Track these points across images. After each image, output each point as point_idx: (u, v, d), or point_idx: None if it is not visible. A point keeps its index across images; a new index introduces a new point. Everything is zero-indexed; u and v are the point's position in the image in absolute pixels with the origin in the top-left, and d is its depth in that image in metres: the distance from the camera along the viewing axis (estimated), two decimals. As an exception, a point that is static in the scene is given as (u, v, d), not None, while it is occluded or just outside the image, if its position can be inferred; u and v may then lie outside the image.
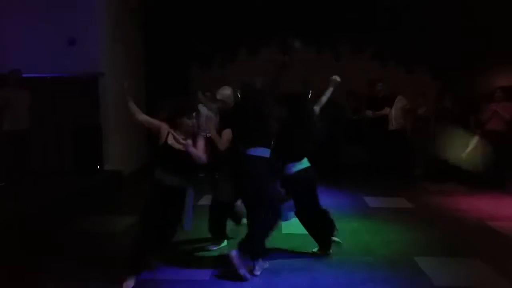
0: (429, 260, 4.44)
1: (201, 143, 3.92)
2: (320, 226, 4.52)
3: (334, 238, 4.56)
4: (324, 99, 4.75)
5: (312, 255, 4.57)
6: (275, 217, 4.13)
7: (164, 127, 3.87)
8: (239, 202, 4.66)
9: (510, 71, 8.34)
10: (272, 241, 4.62)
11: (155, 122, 3.96)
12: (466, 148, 8.06)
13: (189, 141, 3.80)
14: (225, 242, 4.86)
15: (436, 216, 6.12)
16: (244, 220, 4.79)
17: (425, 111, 8.68)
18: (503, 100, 7.89)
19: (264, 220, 4.06)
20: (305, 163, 4.36)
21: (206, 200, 5.81)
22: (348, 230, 5.41)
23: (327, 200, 6.56)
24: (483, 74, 8.94)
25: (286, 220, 4.40)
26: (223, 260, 4.19)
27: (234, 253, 3.95)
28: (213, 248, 4.77)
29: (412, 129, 8.78)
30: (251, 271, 4.02)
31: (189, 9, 9.65)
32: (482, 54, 8.85)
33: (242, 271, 3.94)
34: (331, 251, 4.56)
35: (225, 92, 4.58)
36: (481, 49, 8.87)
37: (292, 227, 5.05)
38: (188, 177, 3.96)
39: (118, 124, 8.48)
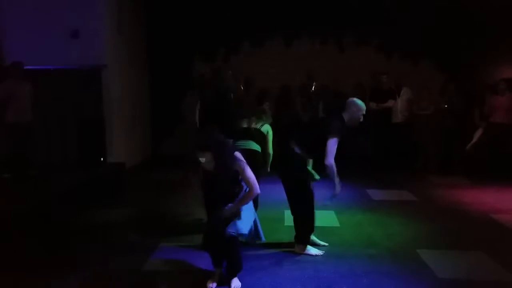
0: (432, 253, 4.43)
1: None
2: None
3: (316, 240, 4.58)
4: None
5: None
6: None
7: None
8: None
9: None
10: (274, 233, 4.63)
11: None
12: (470, 141, 8.03)
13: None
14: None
15: (440, 209, 6.09)
16: None
17: (429, 104, 8.61)
18: (507, 92, 7.84)
19: None
20: None
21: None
22: (351, 223, 5.42)
23: (331, 192, 6.59)
24: (487, 67, 8.90)
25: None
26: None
27: None
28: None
29: (416, 121, 8.72)
30: None
31: (192, 1, 9.61)
32: (487, 46, 8.80)
33: None
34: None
35: None
36: (485, 42, 8.82)
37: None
38: None
39: (121, 116, 8.49)
